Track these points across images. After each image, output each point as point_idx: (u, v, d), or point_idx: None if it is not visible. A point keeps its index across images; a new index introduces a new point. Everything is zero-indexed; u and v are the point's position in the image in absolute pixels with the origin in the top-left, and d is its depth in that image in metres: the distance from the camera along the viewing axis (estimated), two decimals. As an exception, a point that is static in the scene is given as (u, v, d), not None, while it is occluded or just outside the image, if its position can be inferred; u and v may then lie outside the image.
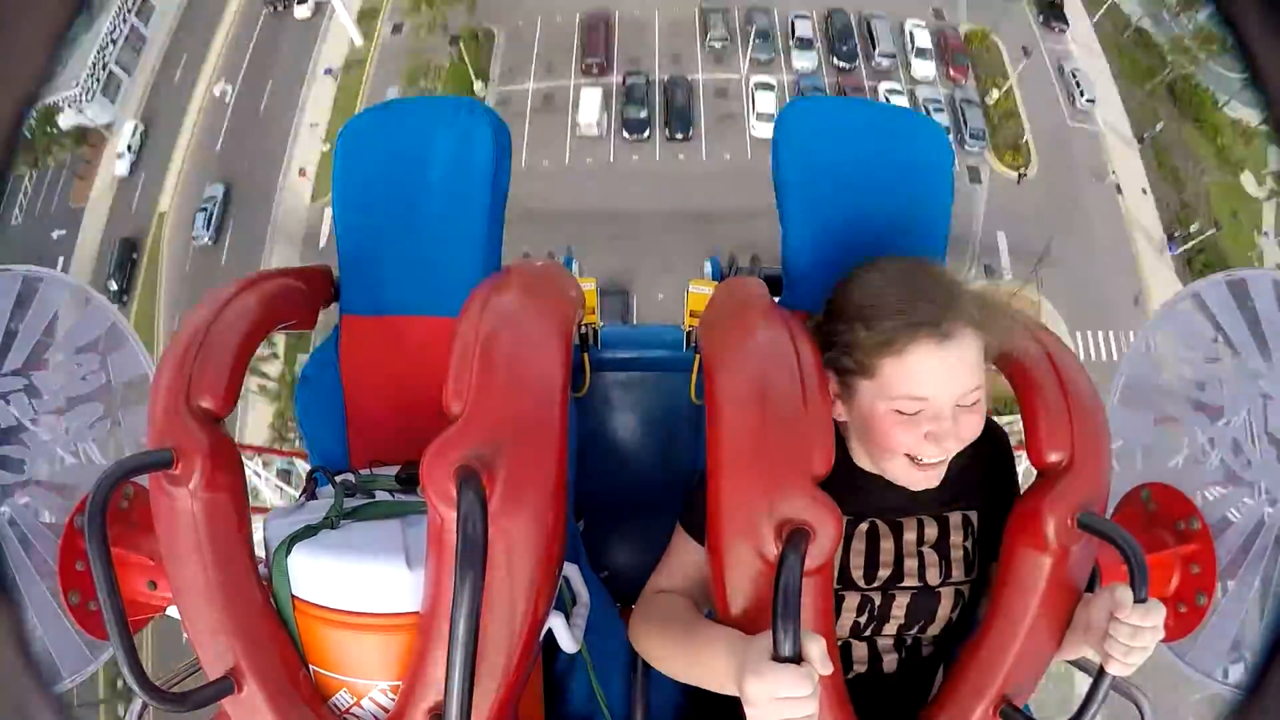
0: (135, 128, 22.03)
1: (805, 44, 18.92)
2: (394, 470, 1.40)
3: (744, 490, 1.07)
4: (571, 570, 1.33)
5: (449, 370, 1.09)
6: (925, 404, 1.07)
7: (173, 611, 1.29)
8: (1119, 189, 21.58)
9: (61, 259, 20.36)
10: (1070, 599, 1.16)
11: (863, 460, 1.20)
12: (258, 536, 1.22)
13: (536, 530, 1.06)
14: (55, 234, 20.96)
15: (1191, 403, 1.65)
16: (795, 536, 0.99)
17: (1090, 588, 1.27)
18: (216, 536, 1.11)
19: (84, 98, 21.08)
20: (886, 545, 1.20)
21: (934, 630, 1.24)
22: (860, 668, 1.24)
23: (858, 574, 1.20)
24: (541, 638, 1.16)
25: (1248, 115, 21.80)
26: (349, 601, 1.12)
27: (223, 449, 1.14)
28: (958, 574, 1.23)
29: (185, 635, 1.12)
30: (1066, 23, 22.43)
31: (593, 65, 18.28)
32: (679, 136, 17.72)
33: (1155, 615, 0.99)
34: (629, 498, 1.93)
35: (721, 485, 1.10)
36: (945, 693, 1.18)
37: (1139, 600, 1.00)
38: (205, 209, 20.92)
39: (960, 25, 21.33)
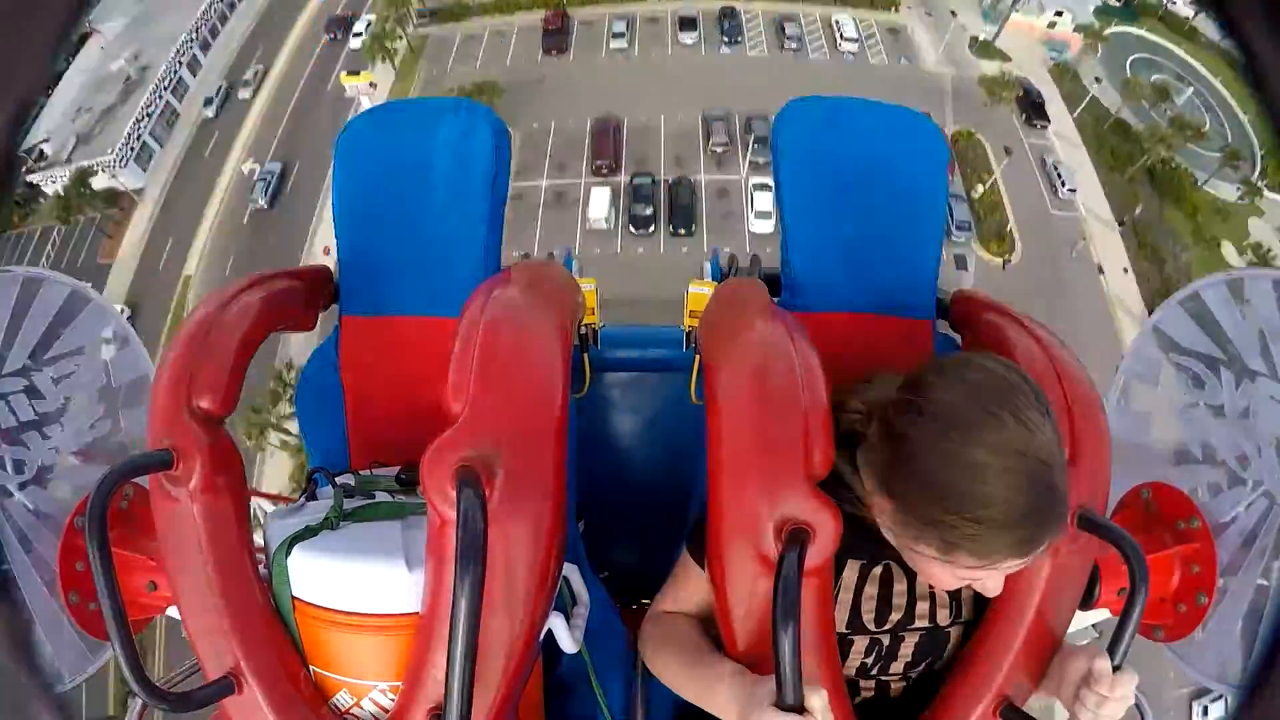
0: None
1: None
2: (394, 471, 1.40)
3: (743, 491, 1.07)
4: (571, 571, 1.33)
5: (449, 371, 1.09)
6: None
7: (173, 612, 1.29)
8: (1101, 269, 22.90)
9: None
10: (1070, 598, 1.16)
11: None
12: (258, 537, 1.23)
13: (536, 530, 1.06)
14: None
15: (1192, 402, 1.65)
16: (795, 536, 0.99)
17: (1090, 588, 1.27)
18: (216, 537, 1.11)
19: (118, 164, 22.94)
20: (900, 588, 1.17)
21: (940, 665, 1.23)
22: (868, 693, 1.23)
23: (868, 618, 1.17)
24: (541, 638, 1.16)
25: (1226, 193, 24.35)
26: (349, 602, 1.12)
27: (223, 449, 1.14)
28: (967, 613, 1.21)
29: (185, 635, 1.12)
30: (1048, 120, 24.11)
31: (602, 166, 20.00)
32: (682, 232, 19.52)
33: (1125, 686, 1.00)
34: (629, 498, 1.93)
35: (721, 485, 1.10)
36: (945, 694, 1.18)
37: (1115, 667, 1.01)
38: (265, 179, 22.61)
39: (947, 127, 22.95)
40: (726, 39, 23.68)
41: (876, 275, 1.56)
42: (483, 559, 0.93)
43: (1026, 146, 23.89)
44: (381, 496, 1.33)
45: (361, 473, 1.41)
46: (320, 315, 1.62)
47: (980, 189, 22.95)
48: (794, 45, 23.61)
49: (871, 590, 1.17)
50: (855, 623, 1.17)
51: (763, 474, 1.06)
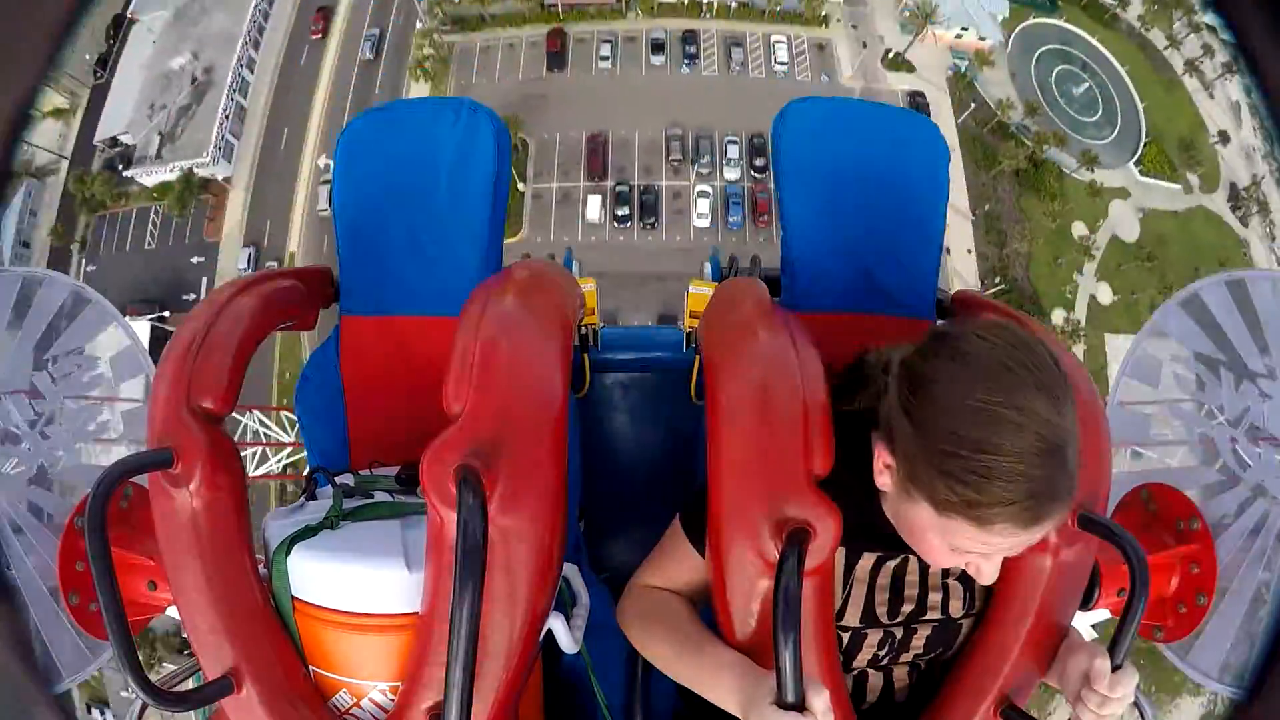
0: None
1: (732, 162, 27.75)
2: (394, 471, 1.40)
3: (744, 490, 1.07)
4: (571, 571, 1.32)
5: (449, 370, 1.08)
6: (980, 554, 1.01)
7: (173, 612, 1.29)
8: (947, 250, 26.50)
9: (205, 279, 26.65)
10: (1071, 599, 1.16)
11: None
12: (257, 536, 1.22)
13: (536, 530, 1.06)
14: (194, 259, 27.38)
15: (1191, 403, 1.65)
16: (795, 536, 0.99)
17: (1090, 588, 1.27)
18: (216, 536, 1.11)
19: (212, 162, 27.62)
20: (912, 579, 1.17)
21: (950, 654, 1.23)
22: (872, 697, 1.22)
23: (882, 611, 1.16)
24: (541, 638, 1.16)
25: (1103, 176, 28.81)
26: (348, 602, 1.11)
27: (223, 449, 1.14)
28: (980, 604, 1.20)
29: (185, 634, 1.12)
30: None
31: (594, 175, 27.44)
32: (648, 224, 26.68)
33: (1126, 685, 1.00)
34: (629, 498, 1.93)
35: (721, 485, 1.09)
36: (947, 693, 1.18)
37: (1115, 666, 1.01)
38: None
39: None
40: (687, 60, 29.18)
41: (876, 275, 1.56)
42: (483, 559, 0.93)
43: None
44: (381, 496, 1.33)
45: (361, 472, 1.40)
46: (321, 315, 1.62)
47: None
48: (739, 66, 29.13)
49: (885, 582, 1.16)
50: (869, 616, 1.17)
51: (763, 474, 1.06)
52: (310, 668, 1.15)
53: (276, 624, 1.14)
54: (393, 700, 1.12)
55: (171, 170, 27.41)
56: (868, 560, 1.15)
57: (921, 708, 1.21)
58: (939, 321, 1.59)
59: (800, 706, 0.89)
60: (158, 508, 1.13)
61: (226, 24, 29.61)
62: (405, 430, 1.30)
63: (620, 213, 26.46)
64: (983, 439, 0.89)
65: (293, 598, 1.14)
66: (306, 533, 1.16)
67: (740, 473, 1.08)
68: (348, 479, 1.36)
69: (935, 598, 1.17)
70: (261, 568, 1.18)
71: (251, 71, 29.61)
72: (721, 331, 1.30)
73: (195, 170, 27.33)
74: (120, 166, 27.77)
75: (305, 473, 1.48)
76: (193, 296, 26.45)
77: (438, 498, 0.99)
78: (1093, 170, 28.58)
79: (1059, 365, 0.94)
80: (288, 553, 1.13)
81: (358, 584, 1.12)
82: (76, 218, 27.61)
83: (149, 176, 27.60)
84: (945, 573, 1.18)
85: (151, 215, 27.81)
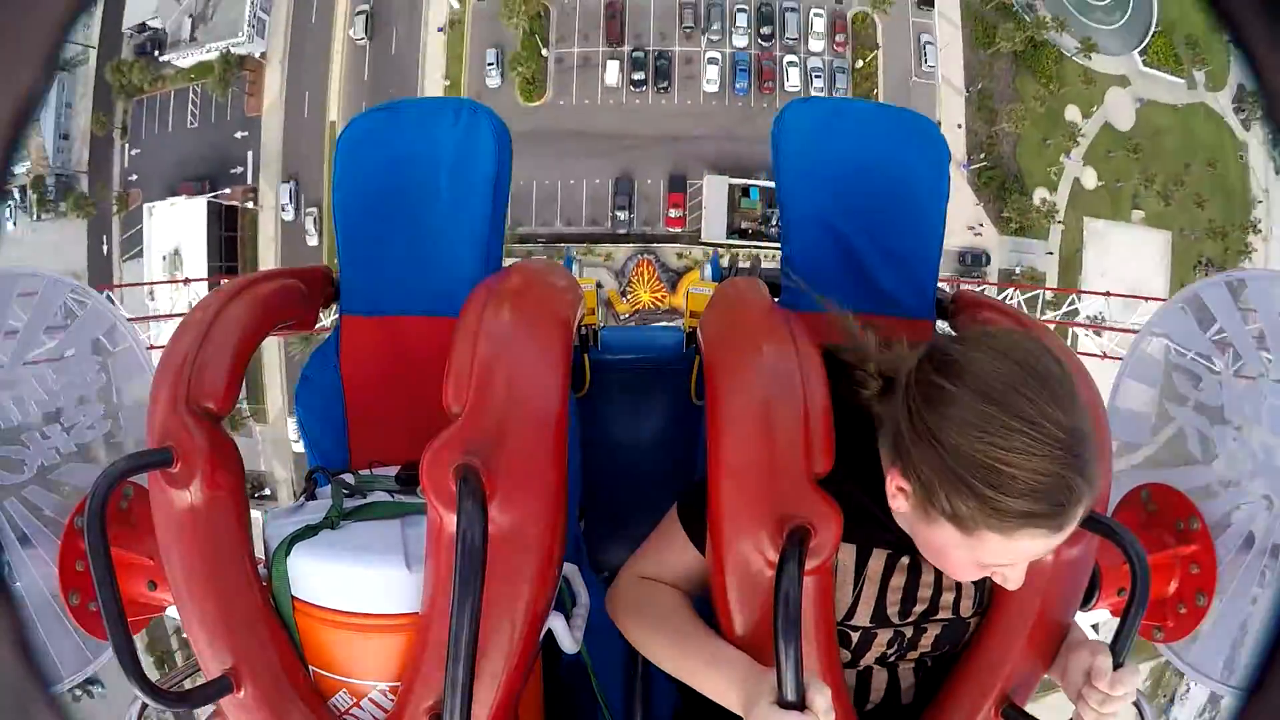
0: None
1: (740, 30, 28.88)
2: (394, 471, 1.40)
3: (744, 490, 1.07)
4: (571, 571, 1.32)
5: (449, 370, 1.08)
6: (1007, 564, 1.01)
7: (172, 612, 1.29)
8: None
9: (250, 153, 27.47)
10: (1072, 598, 1.16)
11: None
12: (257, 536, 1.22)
13: (536, 530, 1.06)
14: (238, 134, 27.89)
15: (1192, 403, 1.65)
16: (796, 534, 0.99)
17: (1091, 588, 1.27)
18: (216, 536, 1.11)
19: (247, 40, 27.83)
20: (927, 579, 1.16)
21: (957, 652, 1.22)
22: (876, 694, 1.21)
23: (893, 610, 1.15)
24: (541, 638, 1.16)
25: (1101, 65, 28.27)
26: (348, 602, 1.11)
27: (222, 448, 1.14)
28: (990, 602, 1.19)
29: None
30: (932, 3, 29.21)
31: (613, 41, 28.73)
32: (662, 87, 28.38)
33: (1127, 684, 1.00)
34: (629, 498, 1.93)
35: (722, 485, 1.09)
36: (948, 693, 1.18)
37: (1117, 664, 1.01)
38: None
39: (850, 11, 28.60)
40: None
41: (876, 275, 1.56)
42: (483, 559, 0.93)
43: (910, 25, 28.78)
44: (381, 496, 1.33)
45: (361, 472, 1.40)
46: (321, 314, 1.62)
47: (861, 63, 28.61)
48: None
49: (898, 581, 1.15)
50: (880, 616, 1.16)
51: (763, 473, 1.06)
52: (310, 668, 1.15)
53: (276, 624, 1.14)
54: (392, 700, 1.12)
55: (208, 51, 27.79)
56: (879, 558, 1.14)
57: (924, 705, 1.21)
58: (941, 330, 1.59)
59: (801, 705, 0.89)
60: (157, 507, 1.13)
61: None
62: (405, 430, 1.30)
63: (636, 77, 28.19)
64: (1001, 455, 0.90)
65: (292, 598, 1.14)
66: (306, 532, 1.16)
67: (741, 472, 1.08)
68: (347, 479, 1.36)
69: (948, 598, 1.16)
70: (261, 568, 1.18)
71: (277, -56, 30.64)
72: (722, 331, 1.30)
73: (231, 49, 27.77)
74: (154, 51, 28.10)
75: (305, 472, 1.48)
76: (240, 169, 27.21)
77: (437, 497, 0.99)
78: (1089, 57, 28.11)
79: (1064, 368, 0.95)
80: (288, 553, 1.13)
81: (358, 584, 1.12)
82: (114, 105, 27.89)
83: (185, 59, 28.14)
84: None
85: (190, 95, 28.28)
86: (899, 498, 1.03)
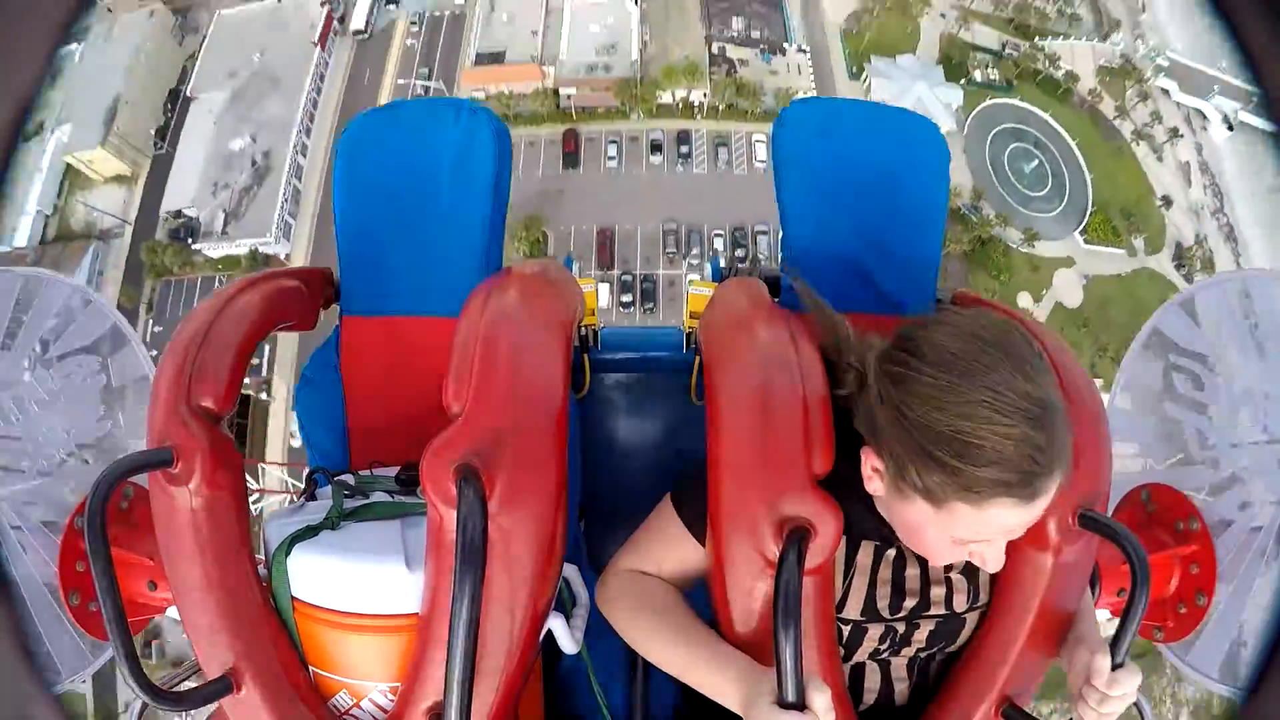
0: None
1: (719, 253, 31.42)
2: (394, 471, 1.40)
3: (744, 490, 1.07)
4: (571, 571, 1.33)
5: (449, 370, 1.08)
6: (983, 541, 1.01)
7: (173, 612, 1.29)
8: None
9: (267, 346, 27.63)
10: (1072, 598, 1.16)
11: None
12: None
13: (536, 530, 1.06)
14: None
15: (1192, 403, 1.65)
16: (796, 534, 0.99)
17: (1091, 588, 1.27)
18: (216, 536, 1.11)
19: (274, 241, 30.80)
20: (912, 572, 1.15)
21: (952, 649, 1.21)
22: (870, 697, 1.21)
23: (883, 605, 1.15)
24: (541, 639, 1.16)
25: (1045, 250, 31.13)
26: (348, 602, 1.11)
27: (223, 448, 1.14)
28: (984, 597, 1.19)
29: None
30: None
31: (604, 265, 31.60)
32: (648, 309, 31.23)
33: (1126, 684, 1.00)
34: (629, 499, 1.92)
35: (722, 485, 1.09)
36: (947, 693, 1.18)
37: (1116, 665, 1.01)
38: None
39: None
40: (681, 159, 33.50)
41: (876, 275, 1.56)
42: (483, 559, 0.93)
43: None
44: (381, 496, 1.33)
45: (361, 473, 1.41)
46: (321, 315, 1.62)
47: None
48: (724, 164, 33.46)
49: (886, 574, 1.15)
50: (870, 609, 1.16)
51: (763, 473, 1.06)
52: (310, 668, 1.16)
53: (276, 624, 1.14)
54: (393, 700, 1.12)
55: (237, 245, 30.64)
56: (867, 549, 1.14)
57: (922, 705, 1.21)
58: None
59: (801, 705, 0.89)
60: (157, 507, 1.13)
61: (281, 111, 33.21)
62: (405, 430, 1.30)
63: (625, 299, 31.36)
64: (965, 426, 0.91)
65: (292, 598, 1.14)
66: (306, 533, 1.16)
67: (741, 472, 1.08)
68: (347, 479, 1.36)
69: (938, 592, 1.16)
70: (261, 568, 1.18)
71: (304, 156, 33.03)
72: (721, 331, 1.30)
73: (259, 248, 30.85)
74: (187, 238, 30.74)
75: (305, 473, 1.48)
76: (256, 360, 27.93)
77: (438, 497, 0.99)
78: (1033, 245, 31.04)
79: (1030, 342, 0.96)
80: (288, 553, 1.13)
81: (358, 584, 1.12)
82: (143, 281, 30.44)
83: (215, 250, 30.97)
84: (947, 566, 1.16)
85: (216, 284, 29.89)
86: (874, 479, 1.04)
